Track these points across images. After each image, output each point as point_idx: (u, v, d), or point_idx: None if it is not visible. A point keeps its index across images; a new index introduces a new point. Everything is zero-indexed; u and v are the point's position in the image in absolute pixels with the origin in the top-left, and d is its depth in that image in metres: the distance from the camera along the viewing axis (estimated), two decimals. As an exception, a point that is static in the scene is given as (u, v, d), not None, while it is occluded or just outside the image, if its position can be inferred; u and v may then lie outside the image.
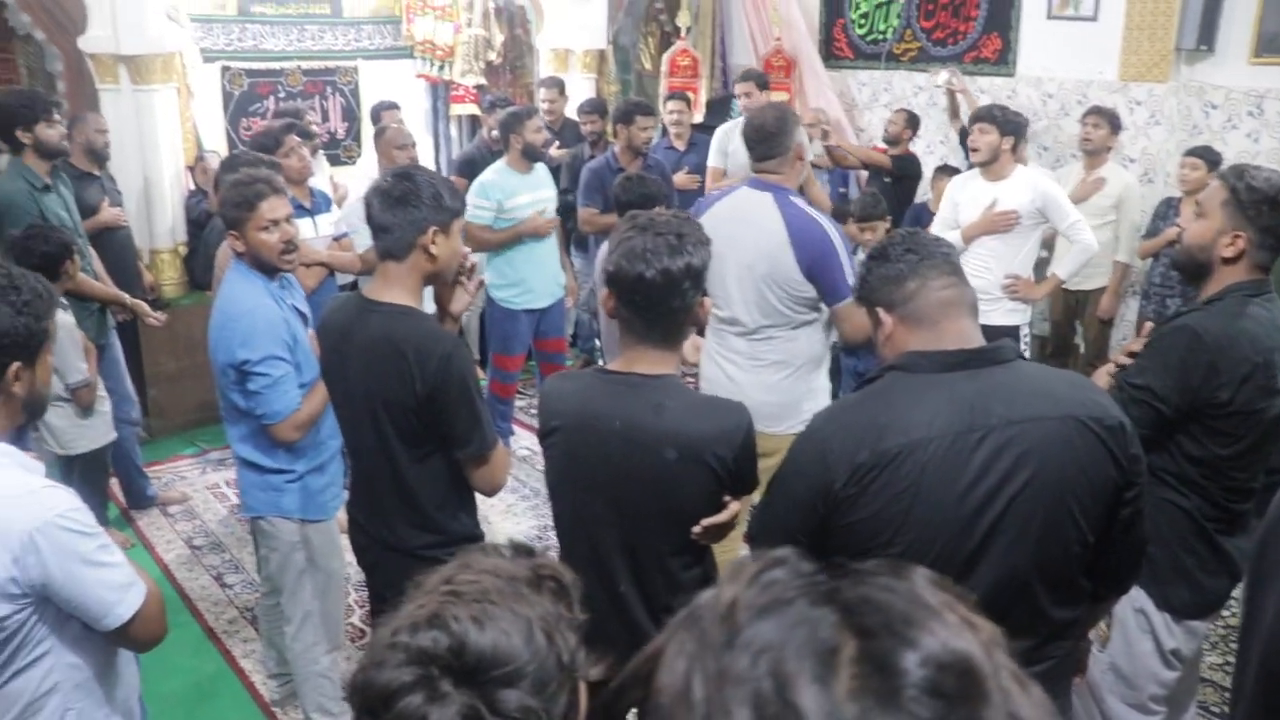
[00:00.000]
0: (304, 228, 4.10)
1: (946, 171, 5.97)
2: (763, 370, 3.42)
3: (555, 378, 2.42)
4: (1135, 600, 2.60)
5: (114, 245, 5.19)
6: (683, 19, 7.96)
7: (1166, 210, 5.59)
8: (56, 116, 4.53)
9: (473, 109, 7.38)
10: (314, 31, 6.78)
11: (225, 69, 6.45)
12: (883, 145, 6.65)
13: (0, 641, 1.85)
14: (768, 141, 3.39)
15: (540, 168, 5.31)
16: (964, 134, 5.34)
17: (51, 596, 1.86)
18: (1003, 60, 6.74)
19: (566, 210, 5.79)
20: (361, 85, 7.05)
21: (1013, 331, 4.61)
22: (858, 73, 7.68)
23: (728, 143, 6.20)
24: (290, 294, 3.22)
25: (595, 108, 6.58)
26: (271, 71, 6.65)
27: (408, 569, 2.55)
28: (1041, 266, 5.13)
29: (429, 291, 2.59)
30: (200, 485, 5.42)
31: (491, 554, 1.07)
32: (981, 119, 4.70)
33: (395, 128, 5.43)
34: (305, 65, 6.78)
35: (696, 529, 2.17)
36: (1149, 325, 2.77)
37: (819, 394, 3.50)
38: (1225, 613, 3.64)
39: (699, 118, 7.50)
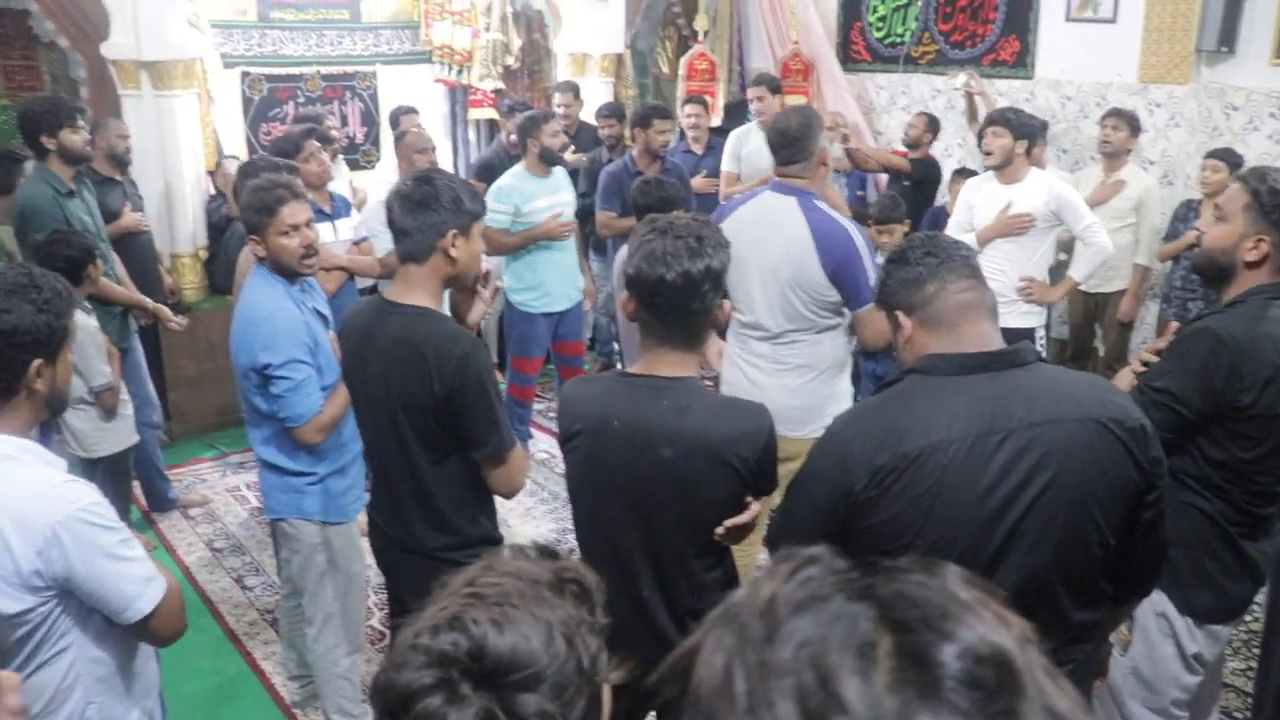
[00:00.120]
0: (323, 232, 4.13)
1: (964, 175, 5.94)
2: (786, 374, 3.42)
3: (575, 382, 2.43)
4: (1157, 604, 2.58)
5: (135, 249, 5.24)
6: (700, 23, 7.98)
7: (1186, 213, 5.56)
8: (81, 122, 4.57)
9: (491, 113, 7.40)
10: (333, 37, 6.82)
11: (245, 74, 6.49)
12: (902, 149, 6.63)
13: (25, 635, 1.89)
14: (791, 146, 3.39)
15: (559, 172, 5.32)
16: (982, 137, 5.32)
17: (74, 589, 1.90)
18: (1021, 63, 6.72)
19: (585, 214, 5.80)
20: (380, 90, 7.09)
21: (1028, 334, 4.60)
22: (875, 76, 7.67)
23: (741, 147, 6.20)
24: (311, 297, 3.24)
25: (613, 111, 6.59)
26: (291, 77, 6.69)
27: (425, 570, 2.57)
28: (1060, 269, 5.10)
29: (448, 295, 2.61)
30: (221, 488, 5.46)
31: (517, 556, 1.08)
32: (995, 122, 4.69)
33: (416, 132, 5.45)
34: (324, 70, 6.82)
35: (719, 530, 2.17)
36: (1173, 325, 2.74)
37: (842, 398, 3.49)
38: (1248, 618, 3.62)
39: (717, 121, 7.51)
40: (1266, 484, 2.51)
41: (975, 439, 1.75)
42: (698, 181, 6.26)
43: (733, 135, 6.31)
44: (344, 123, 6.94)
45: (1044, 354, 5.03)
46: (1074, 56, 6.44)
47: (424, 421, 2.50)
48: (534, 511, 5.20)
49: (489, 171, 5.80)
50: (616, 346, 6.12)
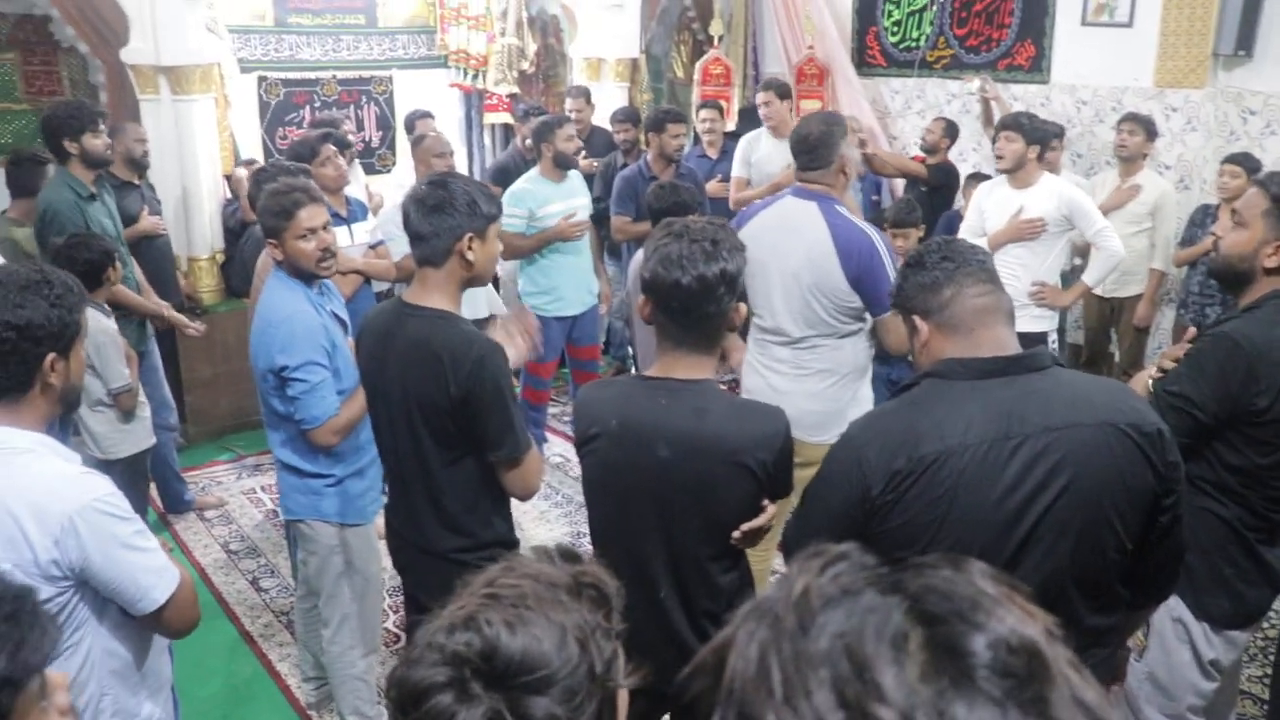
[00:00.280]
0: (340, 236, 4.14)
1: (978, 179, 5.93)
2: (808, 379, 3.42)
3: (592, 385, 2.43)
4: (1173, 609, 2.57)
5: (153, 253, 5.28)
6: (715, 27, 7.99)
7: (1203, 217, 5.53)
8: (102, 127, 4.61)
9: (506, 118, 7.42)
10: (349, 41, 6.86)
11: (262, 79, 6.53)
12: (920, 154, 6.62)
13: None
14: (812, 152, 3.39)
15: (574, 176, 5.34)
16: (995, 142, 5.31)
17: (90, 579, 1.92)
18: (1036, 67, 6.71)
19: (600, 218, 5.81)
20: (396, 94, 7.12)
21: (1040, 338, 4.59)
22: (890, 80, 7.66)
23: (751, 152, 6.20)
24: (329, 300, 3.26)
25: (628, 116, 6.61)
26: (307, 81, 6.73)
27: (440, 571, 2.56)
28: (1075, 274, 5.09)
29: (466, 295, 2.63)
30: (236, 490, 5.49)
31: (539, 558, 1.09)
32: (1007, 127, 4.69)
33: (434, 136, 5.47)
34: (341, 75, 6.86)
35: (736, 533, 2.18)
36: (1191, 330, 2.74)
37: (863, 403, 3.48)
38: (1265, 624, 3.59)
39: (731, 126, 7.51)
40: (1284, 490, 2.50)
41: (992, 443, 1.76)
42: (712, 186, 6.26)
43: (743, 140, 6.31)
44: (360, 127, 6.97)
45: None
46: (1090, 61, 6.42)
47: (440, 423, 2.51)
48: (548, 515, 5.21)
49: (504, 176, 5.82)
50: (631, 351, 6.13)
